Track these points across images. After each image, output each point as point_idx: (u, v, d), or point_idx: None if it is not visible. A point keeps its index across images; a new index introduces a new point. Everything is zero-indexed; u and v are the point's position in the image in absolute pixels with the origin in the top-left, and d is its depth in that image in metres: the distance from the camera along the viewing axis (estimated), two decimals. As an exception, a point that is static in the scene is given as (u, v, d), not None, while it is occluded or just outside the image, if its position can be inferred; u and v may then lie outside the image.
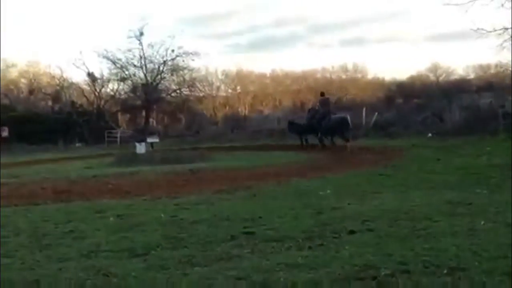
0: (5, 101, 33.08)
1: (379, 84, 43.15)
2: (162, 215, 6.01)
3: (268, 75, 47.95)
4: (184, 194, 8.20)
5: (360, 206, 6.03)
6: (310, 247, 4.12)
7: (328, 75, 47.42)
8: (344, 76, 46.50)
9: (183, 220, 5.64)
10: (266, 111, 44.45)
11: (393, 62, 61.71)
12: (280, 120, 28.90)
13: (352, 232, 4.59)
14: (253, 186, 8.65)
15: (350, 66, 46.22)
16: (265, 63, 74.39)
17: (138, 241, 4.61)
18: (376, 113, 25.46)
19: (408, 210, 5.53)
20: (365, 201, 6.41)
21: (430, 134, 20.23)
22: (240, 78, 46.12)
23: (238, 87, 46.49)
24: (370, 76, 45.93)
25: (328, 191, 7.47)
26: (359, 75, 46.29)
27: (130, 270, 3.66)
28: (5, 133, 27.27)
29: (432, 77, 43.75)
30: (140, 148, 17.45)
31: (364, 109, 26.25)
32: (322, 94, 19.88)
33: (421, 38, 65.10)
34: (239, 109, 44.14)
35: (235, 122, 34.07)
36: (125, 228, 5.31)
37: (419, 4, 58.08)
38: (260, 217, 5.52)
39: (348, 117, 18.15)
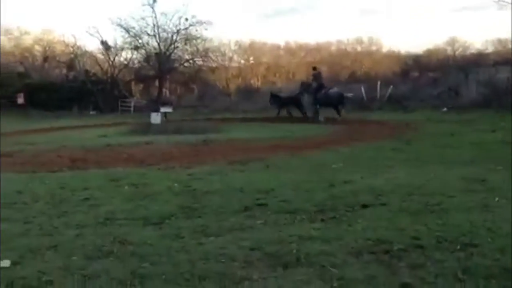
0: (20, 69, 33.29)
1: (394, 57, 42.43)
2: (176, 185, 6.07)
3: (281, 46, 47.37)
4: (197, 164, 8.25)
5: (373, 180, 6.01)
6: (322, 220, 4.15)
7: (343, 47, 46.68)
8: (359, 49, 45.75)
9: (196, 190, 5.69)
10: (279, 83, 44.13)
11: (410, 35, 60.48)
12: (293, 92, 28.63)
13: (364, 206, 4.59)
14: (266, 158, 8.67)
15: (365, 39, 45.40)
16: (278, 34, 73.28)
17: (152, 210, 4.69)
18: (391, 87, 25.12)
19: (421, 185, 5.51)
20: (378, 175, 6.39)
21: (445, 109, 19.96)
22: (253, 49, 45.64)
23: (251, 58, 46.08)
24: (385, 49, 45.13)
25: (341, 164, 7.46)
26: (374, 48, 45.50)
27: (145, 238, 3.73)
28: (20, 100, 27.55)
29: (449, 51, 42.87)
30: (156, 118, 17.55)
31: (379, 82, 25.91)
32: (314, 68, 21.18)
33: (439, 11, 63.48)
34: (252, 81, 43.89)
35: (248, 94, 33.89)
36: (139, 196, 5.39)
37: (439, -25, 56.40)
38: (273, 189, 5.55)
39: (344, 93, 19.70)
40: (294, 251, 3.30)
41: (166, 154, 10.05)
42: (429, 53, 41.62)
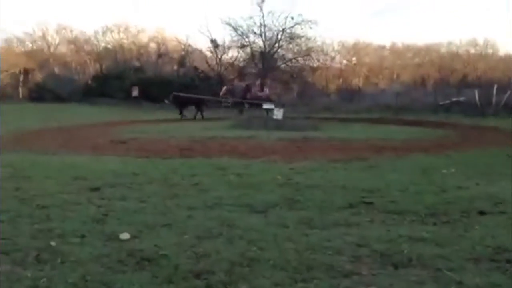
0: (136, 64, 35.98)
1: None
2: (279, 177, 6.13)
3: (387, 47, 45.73)
4: (298, 160, 8.27)
5: (489, 187, 5.56)
6: (435, 224, 3.92)
7: (454, 49, 43.81)
8: (472, 51, 42.59)
9: (299, 184, 5.70)
10: (382, 85, 42.72)
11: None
12: (398, 94, 27.59)
13: (482, 213, 4.26)
14: (369, 158, 8.44)
15: (480, 41, 42.13)
16: (384, 35, 70.85)
17: (257, 199, 4.77)
18: (509, 92, 23.11)
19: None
20: (494, 182, 5.89)
21: None
22: (357, 49, 44.64)
23: (354, 59, 45.12)
24: (501, 52, 41.47)
25: (452, 169, 7.00)
26: (490, 51, 42.05)
27: (251, 224, 3.81)
28: (135, 93, 29.68)
29: None
30: (278, 114, 18.01)
31: (495, 86, 23.97)
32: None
33: None
34: (353, 81, 43.00)
35: (349, 94, 33.27)
36: (244, 185, 5.52)
37: None
38: (379, 189, 5.38)
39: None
40: (405, 251, 3.15)
41: (268, 148, 10.23)
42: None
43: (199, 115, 21.85)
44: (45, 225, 3.73)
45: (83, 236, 3.45)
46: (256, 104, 21.76)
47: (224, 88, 23.02)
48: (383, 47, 45.63)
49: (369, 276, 2.76)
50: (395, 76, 44.76)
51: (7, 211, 4.13)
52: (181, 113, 21.67)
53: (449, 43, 43.59)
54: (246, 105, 22.69)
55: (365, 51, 44.60)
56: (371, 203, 4.65)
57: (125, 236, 3.50)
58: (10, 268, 2.86)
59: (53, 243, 3.27)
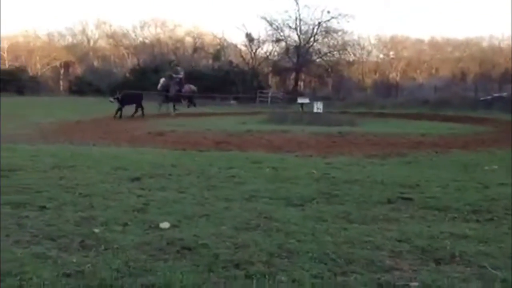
0: (172, 58, 36.48)
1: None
2: (314, 171, 6.10)
3: (426, 41, 44.60)
4: (334, 154, 8.21)
5: (535, 185, 5.35)
6: (478, 221, 3.81)
7: (496, 42, 42.32)
8: (516, 44, 40.94)
9: (335, 178, 5.65)
10: (420, 79, 41.77)
11: None
12: (437, 89, 26.93)
13: (528, 211, 4.11)
14: (407, 154, 8.29)
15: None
16: (423, 29, 69.07)
17: (294, 192, 4.77)
18: (556, 87, 22.17)
19: None
20: (541, 181, 5.67)
21: None
22: (394, 43, 43.75)
23: (391, 53, 44.24)
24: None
25: (495, 166, 6.79)
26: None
27: (289, 217, 3.81)
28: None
29: None
30: (318, 108, 18.12)
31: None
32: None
33: None
34: (390, 76, 42.20)
35: (386, 89, 32.70)
36: (280, 179, 5.52)
37: None
38: (418, 185, 5.28)
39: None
40: (448, 247, 3.08)
41: (303, 143, 10.20)
42: None
43: (139, 113, 18.97)
44: (88, 213, 3.85)
45: (125, 224, 3.54)
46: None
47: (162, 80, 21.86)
48: (421, 41, 44.58)
49: (410, 272, 2.72)
50: (433, 70, 43.70)
51: (52, 199, 4.28)
52: (119, 110, 18.29)
53: (491, 37, 42.16)
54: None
55: (402, 45, 43.69)
56: (410, 199, 4.57)
57: (165, 225, 3.57)
58: (56, 253, 2.96)
59: (96, 230, 3.37)
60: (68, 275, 2.60)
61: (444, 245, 3.14)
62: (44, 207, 4.00)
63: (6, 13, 47.07)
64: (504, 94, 19.26)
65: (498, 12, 51.78)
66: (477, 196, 4.68)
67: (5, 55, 40.02)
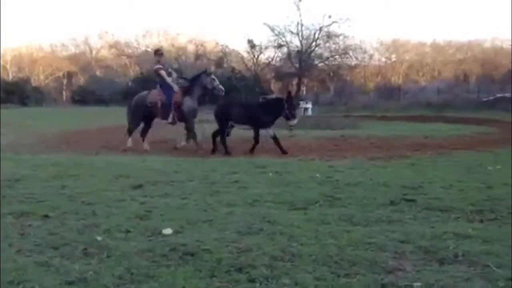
0: (175, 65, 36.62)
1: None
2: (318, 175, 6.09)
3: (428, 43, 44.66)
4: (337, 158, 8.21)
5: (539, 185, 5.32)
6: (481, 221, 3.81)
7: (498, 43, 42.31)
8: (519, 45, 40.88)
9: (338, 181, 5.64)
10: (423, 82, 41.75)
11: None
12: (439, 91, 26.91)
13: (531, 210, 4.09)
14: (410, 156, 8.27)
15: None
16: (425, 32, 69.10)
17: (297, 196, 4.76)
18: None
19: None
20: (545, 180, 5.64)
21: None
22: (396, 46, 43.82)
23: (393, 56, 44.30)
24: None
25: (498, 166, 6.76)
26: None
27: (292, 221, 3.80)
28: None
29: None
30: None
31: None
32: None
33: None
34: (392, 79, 42.21)
35: (388, 92, 32.70)
36: (283, 183, 5.52)
37: None
38: (421, 186, 5.27)
39: None
40: (451, 248, 3.07)
41: (306, 147, 10.19)
42: None
43: None
44: (91, 221, 3.85)
45: (127, 232, 3.54)
46: None
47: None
48: (423, 44, 44.65)
49: (414, 272, 2.71)
50: (436, 73, 43.69)
51: (55, 207, 4.29)
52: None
53: (494, 38, 42.16)
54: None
55: (404, 48, 43.77)
56: (413, 200, 4.56)
57: (168, 231, 3.57)
58: (59, 261, 2.96)
59: (99, 238, 3.38)
60: (71, 283, 2.61)
61: (447, 245, 3.13)
62: (47, 216, 4.00)
63: (10, 25, 47.52)
64: (507, 94, 19.20)
65: (500, 14, 51.72)
66: (481, 196, 4.66)
67: (8, 66, 40.31)
